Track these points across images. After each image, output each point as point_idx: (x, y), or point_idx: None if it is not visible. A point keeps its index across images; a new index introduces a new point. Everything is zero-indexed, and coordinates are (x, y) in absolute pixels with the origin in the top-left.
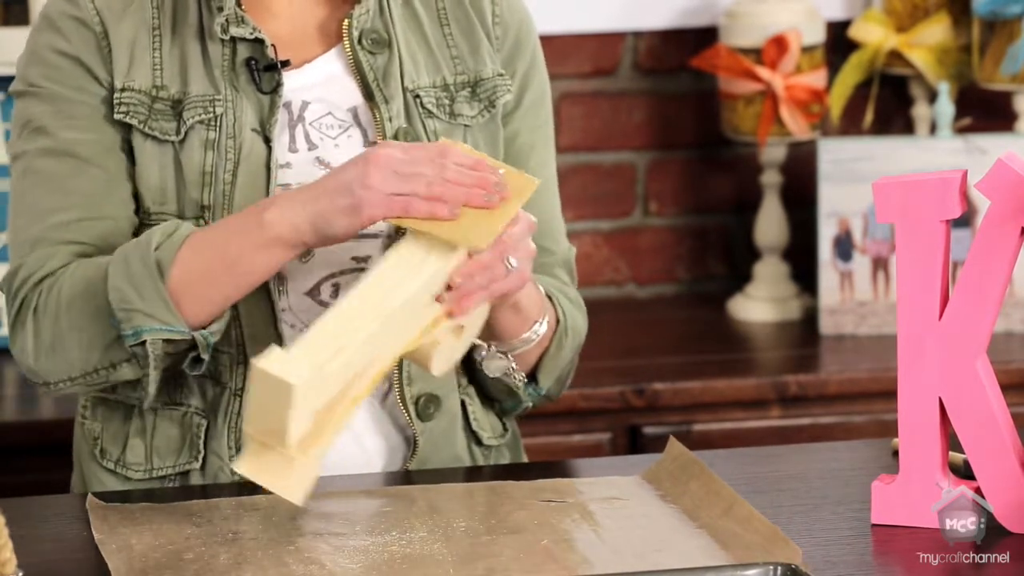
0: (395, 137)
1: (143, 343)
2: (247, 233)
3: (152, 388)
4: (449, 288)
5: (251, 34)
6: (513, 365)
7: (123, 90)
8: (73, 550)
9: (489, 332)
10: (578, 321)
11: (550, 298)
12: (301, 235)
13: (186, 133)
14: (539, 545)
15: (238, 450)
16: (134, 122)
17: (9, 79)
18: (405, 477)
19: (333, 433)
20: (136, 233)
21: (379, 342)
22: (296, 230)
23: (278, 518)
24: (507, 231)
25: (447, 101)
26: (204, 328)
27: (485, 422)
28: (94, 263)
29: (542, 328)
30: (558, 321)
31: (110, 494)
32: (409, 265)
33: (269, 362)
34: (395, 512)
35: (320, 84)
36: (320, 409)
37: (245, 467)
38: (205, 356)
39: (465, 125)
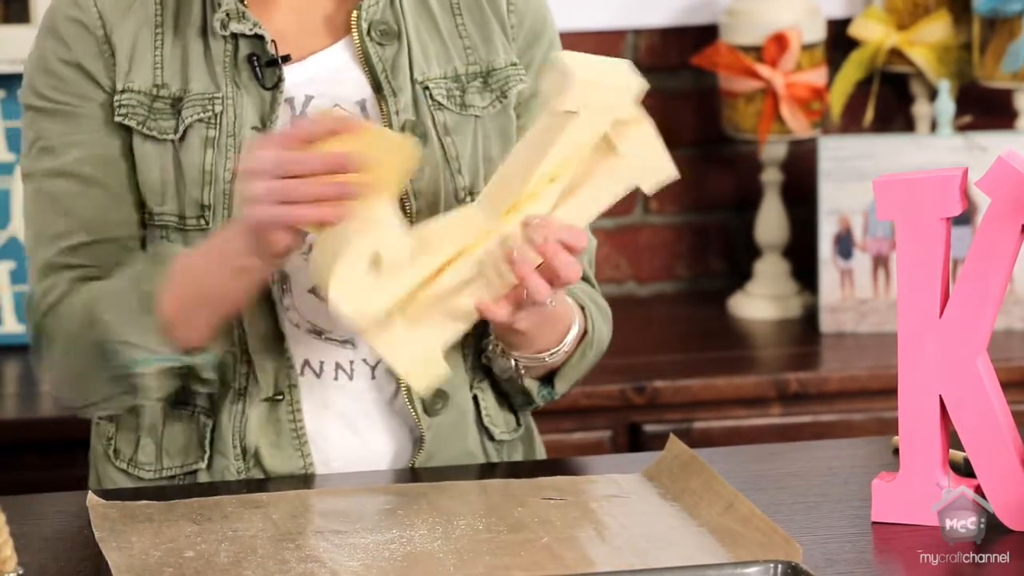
0: (402, 130)
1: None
2: (222, 261)
3: (157, 415)
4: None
5: (251, 30)
6: (521, 371)
7: (123, 92)
8: (73, 548)
9: (505, 342)
10: (604, 333)
11: (583, 308)
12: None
13: (184, 131)
14: (539, 543)
15: (243, 449)
16: (133, 124)
17: (8, 76)
18: (411, 474)
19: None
20: (144, 241)
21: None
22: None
23: (279, 516)
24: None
25: (458, 92)
26: (201, 351)
27: (498, 418)
28: (89, 291)
29: (566, 344)
30: (586, 332)
31: (111, 492)
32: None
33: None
34: (396, 510)
35: (326, 77)
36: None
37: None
38: (210, 376)
39: (476, 116)
